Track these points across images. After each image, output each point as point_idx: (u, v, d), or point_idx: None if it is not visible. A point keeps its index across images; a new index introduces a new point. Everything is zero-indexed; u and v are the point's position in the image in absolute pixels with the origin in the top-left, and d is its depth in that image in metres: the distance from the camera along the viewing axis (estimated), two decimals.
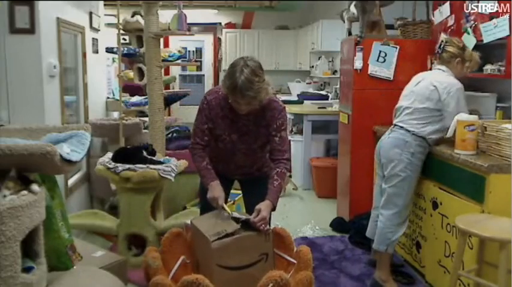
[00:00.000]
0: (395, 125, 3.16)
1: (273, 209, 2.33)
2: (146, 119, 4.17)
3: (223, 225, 2.20)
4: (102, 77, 5.00)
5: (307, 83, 8.22)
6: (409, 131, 3.01)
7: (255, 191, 2.54)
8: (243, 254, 2.13)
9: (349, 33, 4.51)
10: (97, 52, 4.60)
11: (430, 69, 3.79)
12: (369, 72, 4.00)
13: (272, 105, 2.41)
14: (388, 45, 3.94)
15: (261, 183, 2.49)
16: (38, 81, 3.11)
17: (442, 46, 3.04)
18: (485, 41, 3.12)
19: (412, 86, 3.15)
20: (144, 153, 3.23)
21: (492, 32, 3.04)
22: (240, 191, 2.84)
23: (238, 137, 2.45)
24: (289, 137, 5.84)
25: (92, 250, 2.60)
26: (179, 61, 4.47)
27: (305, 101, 6.69)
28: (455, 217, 2.55)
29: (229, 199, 3.47)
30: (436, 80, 2.99)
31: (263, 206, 2.25)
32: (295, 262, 2.20)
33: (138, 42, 4.58)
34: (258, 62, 2.28)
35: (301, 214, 4.72)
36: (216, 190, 2.38)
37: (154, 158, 3.24)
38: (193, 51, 9.72)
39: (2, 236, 1.52)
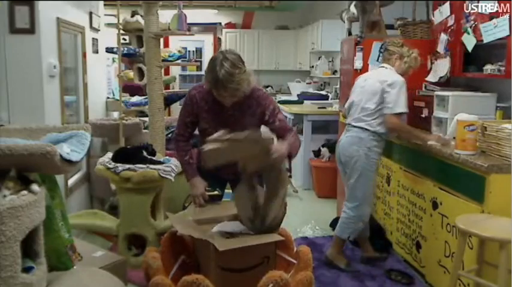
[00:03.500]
0: (349, 124, 3.36)
1: (289, 154, 2.23)
2: (146, 119, 4.17)
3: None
4: (102, 77, 5.00)
5: (307, 83, 8.21)
6: (362, 128, 3.24)
7: None
8: (245, 256, 2.12)
9: (349, 33, 4.51)
10: (97, 52, 4.60)
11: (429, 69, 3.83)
12: None
13: (256, 94, 2.42)
14: None
15: None
16: (38, 81, 3.12)
17: (383, 45, 3.30)
18: (485, 41, 3.12)
19: (360, 84, 3.36)
20: (144, 153, 3.23)
21: (492, 32, 3.04)
22: None
23: (224, 129, 2.45)
24: None
25: (92, 250, 2.59)
26: (179, 61, 4.47)
27: (305, 101, 6.69)
28: (455, 217, 2.55)
29: (229, 200, 3.48)
30: (381, 76, 3.23)
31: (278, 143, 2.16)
32: (295, 262, 2.20)
33: (138, 42, 4.57)
34: (238, 54, 2.30)
35: (301, 214, 4.71)
36: (198, 187, 2.47)
37: (154, 158, 3.25)
38: (193, 51, 9.70)
39: (2, 236, 1.52)
